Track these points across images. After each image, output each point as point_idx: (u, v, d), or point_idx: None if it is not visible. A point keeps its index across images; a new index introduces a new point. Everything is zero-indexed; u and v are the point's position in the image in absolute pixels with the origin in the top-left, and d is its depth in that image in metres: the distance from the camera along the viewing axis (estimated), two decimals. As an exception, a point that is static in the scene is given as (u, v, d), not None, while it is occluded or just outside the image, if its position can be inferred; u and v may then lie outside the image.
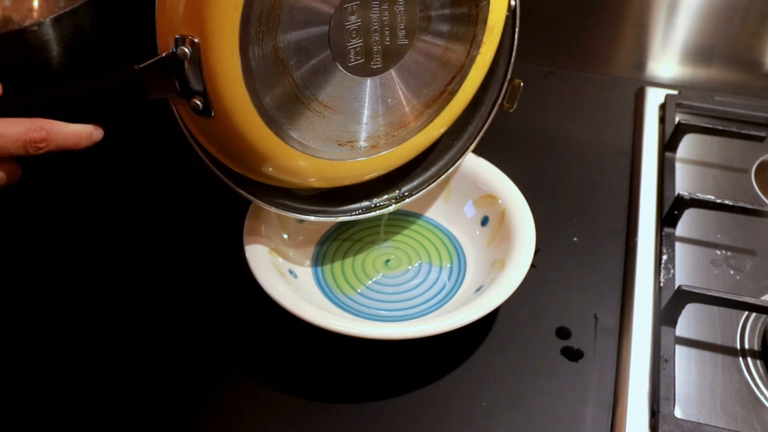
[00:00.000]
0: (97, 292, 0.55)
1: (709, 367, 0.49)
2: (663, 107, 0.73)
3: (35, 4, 0.77)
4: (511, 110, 0.54)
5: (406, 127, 0.49)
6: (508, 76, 0.53)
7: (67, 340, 0.51)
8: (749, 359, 0.50)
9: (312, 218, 0.51)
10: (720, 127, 0.66)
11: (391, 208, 0.54)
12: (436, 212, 0.60)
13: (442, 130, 0.52)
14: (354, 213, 0.53)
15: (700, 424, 0.45)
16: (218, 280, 0.55)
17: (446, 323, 0.46)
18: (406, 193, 0.54)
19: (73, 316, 0.53)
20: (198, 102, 0.40)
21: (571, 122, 0.73)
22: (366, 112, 0.47)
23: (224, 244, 0.55)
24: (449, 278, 0.55)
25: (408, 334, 0.46)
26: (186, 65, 0.39)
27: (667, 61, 0.78)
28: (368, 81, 0.46)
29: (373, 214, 0.53)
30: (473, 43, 0.48)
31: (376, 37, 0.45)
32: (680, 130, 0.66)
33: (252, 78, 0.40)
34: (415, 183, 0.55)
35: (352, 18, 0.43)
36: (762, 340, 0.51)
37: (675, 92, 0.74)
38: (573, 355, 0.50)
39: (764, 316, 0.52)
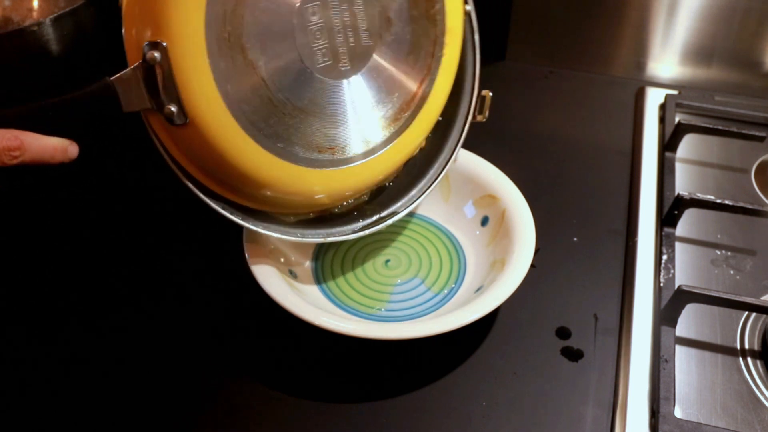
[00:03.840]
0: (96, 293, 0.55)
1: (709, 367, 0.49)
2: (663, 107, 0.73)
3: (35, 4, 0.77)
4: (484, 120, 0.55)
5: (379, 131, 0.48)
6: (476, 91, 0.54)
7: (68, 340, 0.51)
8: (749, 359, 0.50)
9: (296, 239, 0.49)
10: (720, 127, 0.66)
11: (381, 227, 0.52)
12: (436, 212, 0.60)
13: (422, 138, 0.52)
14: (342, 234, 0.51)
15: (700, 424, 0.45)
16: (218, 281, 0.55)
17: (446, 323, 0.46)
18: (394, 212, 0.54)
19: (74, 316, 0.53)
20: (172, 109, 0.40)
21: (571, 122, 0.73)
22: (342, 117, 0.46)
23: (224, 245, 0.55)
24: (449, 278, 0.55)
25: (408, 334, 0.46)
26: (157, 71, 0.39)
27: (667, 61, 0.78)
28: (340, 83, 0.46)
29: (361, 234, 0.52)
30: (436, 43, 0.49)
31: (341, 38, 0.45)
32: (680, 130, 0.66)
33: (224, 79, 0.40)
34: (402, 200, 0.54)
35: (314, 18, 0.43)
36: (762, 340, 0.51)
37: (675, 92, 0.74)
38: (573, 355, 0.50)
39: (764, 316, 0.52)
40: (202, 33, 0.39)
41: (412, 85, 0.49)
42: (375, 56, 0.47)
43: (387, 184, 0.54)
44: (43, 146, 0.39)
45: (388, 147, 0.49)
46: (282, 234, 0.48)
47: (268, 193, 0.46)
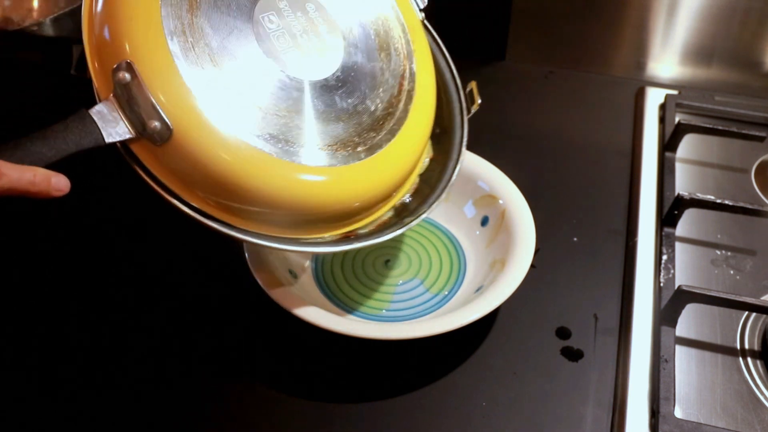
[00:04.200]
0: (95, 294, 0.55)
1: (709, 367, 0.49)
2: (663, 107, 0.73)
3: (35, 4, 0.76)
4: (478, 107, 0.54)
5: (376, 130, 0.47)
6: (460, 89, 0.54)
7: (68, 341, 0.51)
8: (749, 359, 0.50)
9: (285, 248, 0.46)
10: (720, 127, 0.66)
11: (400, 231, 0.49)
12: (436, 212, 0.59)
13: (424, 135, 0.51)
14: (338, 245, 0.48)
15: (700, 424, 0.45)
16: (218, 281, 0.55)
17: (446, 323, 0.46)
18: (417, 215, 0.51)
19: (73, 317, 0.53)
20: (155, 124, 0.39)
21: (571, 122, 0.73)
22: (332, 113, 0.45)
23: (225, 245, 0.55)
24: (449, 278, 0.55)
25: (408, 334, 0.46)
26: (131, 91, 0.39)
27: (667, 61, 0.78)
28: (318, 81, 0.45)
29: (370, 242, 0.48)
30: (404, 40, 0.50)
31: (305, 40, 0.45)
32: (680, 130, 0.66)
33: (199, 85, 0.40)
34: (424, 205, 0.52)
35: (272, 26, 0.44)
36: (762, 340, 0.51)
37: (675, 92, 0.74)
38: (573, 355, 0.50)
39: (764, 316, 0.52)
40: (166, 44, 0.40)
41: (393, 80, 0.49)
42: (346, 54, 0.47)
43: (407, 198, 0.52)
44: (21, 173, 0.37)
45: (391, 140, 0.47)
46: (287, 245, 0.45)
47: (271, 202, 0.43)
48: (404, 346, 0.50)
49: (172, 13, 0.41)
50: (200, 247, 0.58)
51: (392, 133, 0.48)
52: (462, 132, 0.53)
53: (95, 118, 0.39)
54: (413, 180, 0.52)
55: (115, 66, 0.39)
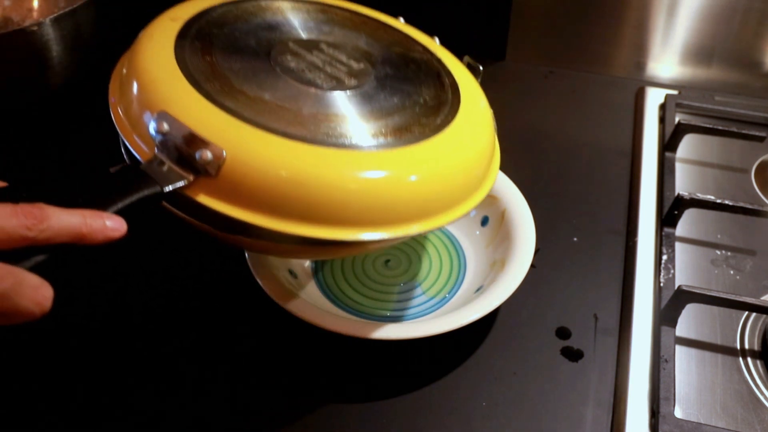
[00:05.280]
0: (95, 294, 0.55)
1: (709, 367, 0.49)
2: (663, 107, 0.73)
3: (35, 4, 0.77)
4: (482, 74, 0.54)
5: (434, 114, 0.46)
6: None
7: (67, 342, 0.51)
8: (749, 359, 0.50)
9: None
10: (720, 127, 0.66)
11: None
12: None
13: (489, 117, 0.49)
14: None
15: (700, 424, 0.45)
16: (218, 281, 0.55)
17: (446, 323, 0.46)
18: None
19: (72, 318, 0.53)
20: (207, 154, 0.38)
21: (571, 122, 0.73)
22: (378, 111, 0.45)
23: (224, 246, 0.55)
24: (449, 278, 0.55)
25: (408, 334, 0.46)
26: (173, 134, 0.38)
27: (667, 61, 0.78)
28: (357, 91, 0.45)
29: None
30: (423, 48, 0.52)
31: (330, 68, 0.46)
32: (680, 130, 0.66)
33: (238, 112, 0.40)
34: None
35: (294, 64, 0.45)
36: (762, 340, 0.51)
37: (675, 92, 0.74)
38: (573, 355, 0.50)
39: (764, 316, 0.52)
40: (194, 90, 0.40)
41: (430, 78, 0.49)
42: (375, 70, 0.47)
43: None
44: (70, 214, 0.34)
45: (453, 120, 0.46)
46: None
47: (309, 189, 0.40)
48: (404, 346, 0.50)
49: (191, 66, 0.42)
50: (199, 247, 0.58)
51: (452, 114, 0.46)
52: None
53: (148, 170, 0.38)
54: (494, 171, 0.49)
55: (152, 119, 0.39)
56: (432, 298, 0.53)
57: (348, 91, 0.45)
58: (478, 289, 0.52)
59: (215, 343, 0.51)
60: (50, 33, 0.62)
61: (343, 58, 0.48)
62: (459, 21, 0.77)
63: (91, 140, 0.69)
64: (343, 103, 0.44)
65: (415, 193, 0.42)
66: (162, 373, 0.49)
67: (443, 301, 0.53)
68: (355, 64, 0.47)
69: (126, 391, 0.48)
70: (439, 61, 0.51)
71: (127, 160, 0.42)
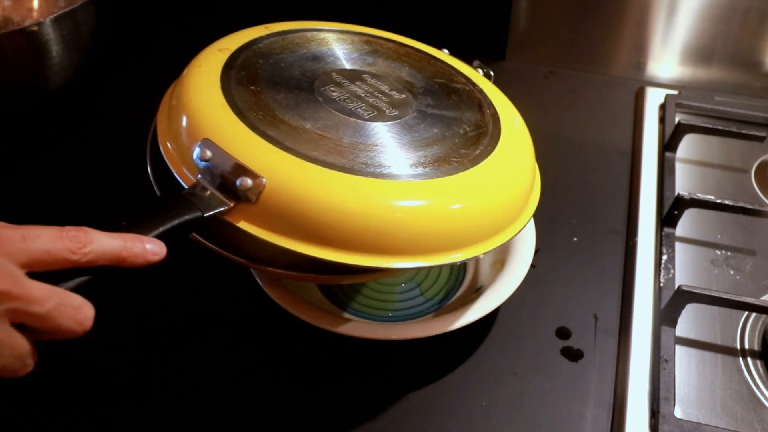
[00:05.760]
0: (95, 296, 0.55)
1: (709, 367, 0.49)
2: (663, 107, 0.73)
3: (35, 4, 0.77)
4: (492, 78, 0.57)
5: (473, 146, 0.46)
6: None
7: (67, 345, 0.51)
8: (749, 359, 0.50)
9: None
10: (720, 127, 0.66)
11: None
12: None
13: (528, 147, 0.50)
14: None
15: (700, 424, 0.45)
16: (218, 281, 0.55)
17: (446, 323, 0.46)
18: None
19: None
20: (247, 182, 0.39)
21: (571, 122, 0.73)
22: (414, 143, 0.45)
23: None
24: (449, 279, 0.55)
25: (408, 334, 0.46)
26: (215, 161, 0.40)
27: (667, 61, 0.78)
28: (398, 122, 0.46)
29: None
30: (465, 79, 0.54)
31: (372, 99, 0.47)
32: (680, 130, 0.66)
33: (279, 141, 0.41)
34: None
35: (336, 94, 0.47)
36: (762, 340, 0.51)
37: (675, 92, 0.74)
38: (573, 355, 0.50)
39: (764, 316, 0.52)
40: (238, 120, 0.42)
41: (471, 109, 0.50)
42: (417, 101, 0.49)
43: None
44: (111, 238, 0.34)
45: (492, 151, 0.46)
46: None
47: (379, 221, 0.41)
48: (404, 347, 0.50)
49: (236, 95, 0.44)
50: (199, 247, 0.58)
51: (492, 145, 0.47)
52: None
53: (189, 197, 0.39)
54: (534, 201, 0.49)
55: (196, 146, 0.40)
56: (432, 299, 0.53)
57: (389, 121, 0.46)
58: (478, 289, 0.52)
59: (211, 343, 0.51)
60: (50, 33, 0.62)
61: (386, 88, 0.49)
62: (459, 21, 0.77)
63: (91, 140, 0.69)
64: (383, 133, 0.45)
65: (452, 223, 0.42)
66: (159, 373, 0.49)
67: (443, 301, 0.53)
68: (396, 95, 0.49)
69: (124, 390, 0.48)
70: (481, 91, 0.53)
71: (156, 189, 0.44)
